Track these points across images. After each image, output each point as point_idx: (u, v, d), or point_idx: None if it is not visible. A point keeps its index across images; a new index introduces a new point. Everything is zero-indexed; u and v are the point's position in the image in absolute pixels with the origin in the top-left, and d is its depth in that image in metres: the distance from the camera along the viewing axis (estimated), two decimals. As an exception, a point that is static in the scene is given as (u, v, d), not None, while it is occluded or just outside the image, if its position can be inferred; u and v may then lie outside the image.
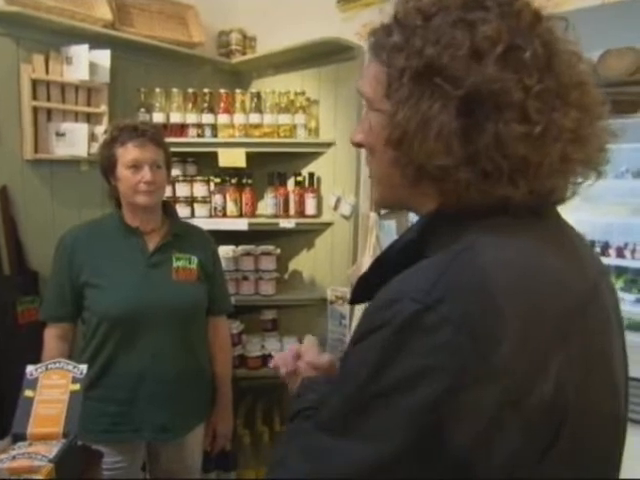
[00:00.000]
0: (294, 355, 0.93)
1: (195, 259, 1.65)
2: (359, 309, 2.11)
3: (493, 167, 0.55)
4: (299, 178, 2.38)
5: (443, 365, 0.49)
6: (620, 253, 4.24)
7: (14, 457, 0.93)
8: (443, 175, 0.58)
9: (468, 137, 0.55)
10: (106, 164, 1.57)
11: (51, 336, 1.59)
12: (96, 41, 2.06)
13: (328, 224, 2.41)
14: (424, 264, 0.57)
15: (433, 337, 0.49)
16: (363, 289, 0.73)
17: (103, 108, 2.13)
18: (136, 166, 1.52)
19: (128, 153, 1.52)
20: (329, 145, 2.37)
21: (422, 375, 0.49)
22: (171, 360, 1.58)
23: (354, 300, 0.75)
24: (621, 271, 4.30)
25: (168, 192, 2.25)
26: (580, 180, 0.62)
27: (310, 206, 2.37)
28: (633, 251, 4.21)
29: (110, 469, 1.54)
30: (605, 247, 4.34)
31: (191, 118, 2.29)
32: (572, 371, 0.53)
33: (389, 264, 0.66)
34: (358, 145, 0.70)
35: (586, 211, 4.18)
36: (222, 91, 2.33)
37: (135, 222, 1.60)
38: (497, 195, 0.56)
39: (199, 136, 2.31)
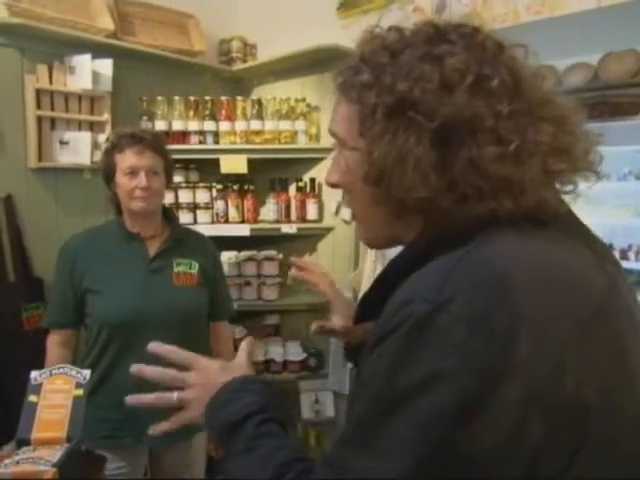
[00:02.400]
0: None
1: (196, 264, 1.66)
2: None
3: (473, 190, 0.55)
4: (300, 184, 2.40)
5: (458, 367, 0.48)
6: (624, 255, 4.22)
7: (18, 462, 0.94)
8: (425, 206, 0.58)
9: (444, 166, 0.56)
10: (106, 171, 1.59)
11: (54, 343, 1.61)
12: (98, 51, 2.09)
13: (329, 229, 2.43)
14: (433, 265, 0.56)
15: (446, 337, 0.49)
16: (367, 308, 0.72)
17: (106, 116, 2.16)
18: (133, 172, 1.53)
19: (126, 160, 1.54)
20: (330, 151, 2.38)
21: (437, 378, 0.48)
22: (173, 365, 1.58)
23: (358, 320, 0.74)
24: (625, 273, 4.28)
25: (171, 198, 2.28)
26: (573, 187, 0.62)
27: (312, 211, 2.39)
28: (637, 253, 4.19)
29: (112, 475, 1.54)
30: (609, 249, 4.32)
31: (193, 125, 2.31)
32: (592, 368, 0.51)
33: (390, 281, 0.64)
34: (333, 185, 0.69)
35: (589, 213, 4.10)
36: (223, 98, 2.36)
37: (135, 228, 1.61)
38: (481, 212, 0.56)
39: (201, 143, 2.33)
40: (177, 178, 2.29)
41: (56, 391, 1.11)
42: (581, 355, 0.50)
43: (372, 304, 0.69)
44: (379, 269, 2.08)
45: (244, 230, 2.30)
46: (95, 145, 2.12)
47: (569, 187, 0.62)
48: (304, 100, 2.38)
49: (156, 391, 1.56)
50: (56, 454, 0.97)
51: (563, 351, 0.49)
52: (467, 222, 0.57)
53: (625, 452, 0.53)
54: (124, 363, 1.55)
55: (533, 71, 0.61)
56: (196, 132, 2.32)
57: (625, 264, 4.21)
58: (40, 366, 1.18)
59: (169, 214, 1.73)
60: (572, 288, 0.53)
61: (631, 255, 4.20)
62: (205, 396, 0.77)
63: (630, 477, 0.54)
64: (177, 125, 2.30)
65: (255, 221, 2.42)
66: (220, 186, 2.38)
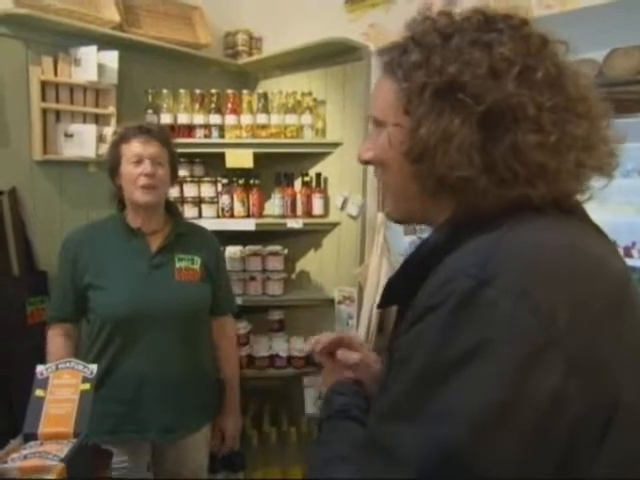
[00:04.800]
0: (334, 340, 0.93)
1: (198, 259, 1.65)
2: (365, 310, 2.11)
3: (510, 174, 0.59)
4: (306, 178, 2.39)
5: (505, 336, 0.50)
6: (628, 252, 4.20)
7: (25, 457, 0.94)
8: (463, 185, 0.61)
9: (487, 148, 0.58)
10: (111, 163, 1.60)
11: (55, 334, 1.61)
12: (104, 43, 2.07)
13: (335, 224, 2.41)
14: (472, 245, 0.58)
15: (493, 311, 0.51)
16: (391, 292, 0.73)
17: (111, 109, 2.14)
18: (138, 161, 1.55)
19: (132, 148, 1.56)
20: (336, 145, 2.37)
21: (485, 348, 0.50)
22: (175, 360, 1.58)
23: (383, 304, 0.75)
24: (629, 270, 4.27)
25: (176, 193, 2.27)
26: (594, 185, 0.65)
27: (317, 206, 2.37)
28: (641, 251, 4.18)
29: (115, 469, 1.54)
30: (613, 247, 4.30)
31: (198, 119, 2.30)
32: (622, 341, 0.54)
33: (416, 267, 0.66)
34: (366, 162, 0.73)
35: (592, 211, 4.14)
36: (229, 92, 2.34)
37: (137, 223, 1.61)
38: (514, 196, 0.59)
39: (206, 137, 2.32)
40: (182, 172, 2.28)
41: (63, 385, 1.10)
42: (613, 330, 0.54)
43: (399, 287, 0.71)
44: (385, 264, 2.07)
45: (249, 225, 2.29)
46: (100, 138, 2.10)
47: (587, 184, 0.65)
48: (310, 94, 2.36)
49: (158, 385, 1.57)
50: (64, 449, 0.97)
51: (597, 325, 0.53)
52: (498, 206, 0.60)
53: None
54: (127, 358, 1.55)
55: (573, 67, 0.63)
56: (201, 126, 2.31)
57: (629, 262, 4.20)
58: (44, 360, 1.17)
59: (172, 208, 1.73)
60: (601, 270, 0.57)
61: (635, 253, 4.19)
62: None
63: None
64: (182, 118, 2.29)
65: (260, 216, 2.41)
66: (225, 180, 2.36)
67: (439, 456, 0.50)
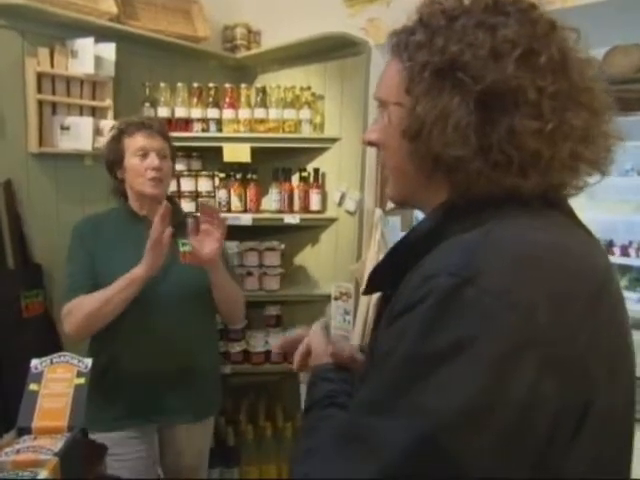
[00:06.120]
0: (304, 352, 0.93)
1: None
2: (363, 305, 2.10)
3: (504, 158, 0.58)
4: (304, 174, 2.38)
5: (485, 334, 0.51)
6: (625, 251, 4.22)
7: (19, 451, 0.93)
8: (457, 165, 0.61)
9: (483, 130, 0.58)
10: (113, 157, 1.62)
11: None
12: (101, 34, 2.05)
13: (333, 220, 2.40)
14: (454, 243, 0.59)
15: (473, 308, 0.51)
16: (377, 279, 0.74)
17: (108, 102, 2.12)
18: (144, 154, 1.58)
19: (136, 142, 1.59)
20: (334, 141, 2.36)
21: (466, 344, 0.51)
22: (181, 343, 1.61)
23: (368, 290, 0.76)
24: (625, 269, 4.27)
25: (173, 187, 2.25)
26: (587, 180, 0.65)
27: (315, 202, 2.36)
28: (638, 249, 4.18)
29: (127, 459, 1.56)
30: (609, 245, 4.31)
31: (196, 113, 2.28)
32: (599, 339, 0.55)
33: (403, 254, 0.67)
34: (371, 144, 0.74)
35: (591, 209, 4.16)
36: (227, 86, 2.33)
37: (142, 212, 1.65)
38: (506, 185, 0.60)
39: (204, 131, 2.30)
40: (179, 166, 2.27)
41: (57, 380, 1.09)
42: (592, 327, 0.55)
43: (383, 276, 0.72)
44: (382, 261, 2.06)
45: (246, 220, 2.28)
46: (97, 131, 2.09)
47: (581, 179, 0.65)
48: (309, 88, 2.35)
49: (166, 373, 1.58)
50: (57, 443, 0.96)
51: (576, 323, 0.54)
52: (490, 194, 0.61)
53: (618, 439, 0.60)
54: (135, 342, 1.58)
55: (581, 56, 0.63)
56: (199, 119, 2.29)
57: (626, 260, 4.21)
58: (40, 354, 1.16)
59: (172, 200, 1.75)
60: (581, 268, 0.58)
61: (632, 251, 4.20)
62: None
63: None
64: (180, 112, 2.27)
65: (257, 211, 2.40)
66: (223, 175, 2.36)
67: (415, 450, 0.50)
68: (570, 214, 0.67)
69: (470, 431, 0.50)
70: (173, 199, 1.77)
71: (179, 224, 1.65)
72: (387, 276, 0.67)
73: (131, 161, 1.59)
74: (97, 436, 1.16)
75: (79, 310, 1.51)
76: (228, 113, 2.30)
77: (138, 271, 1.48)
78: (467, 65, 0.58)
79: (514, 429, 0.50)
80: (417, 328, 0.54)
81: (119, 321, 1.54)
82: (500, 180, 0.60)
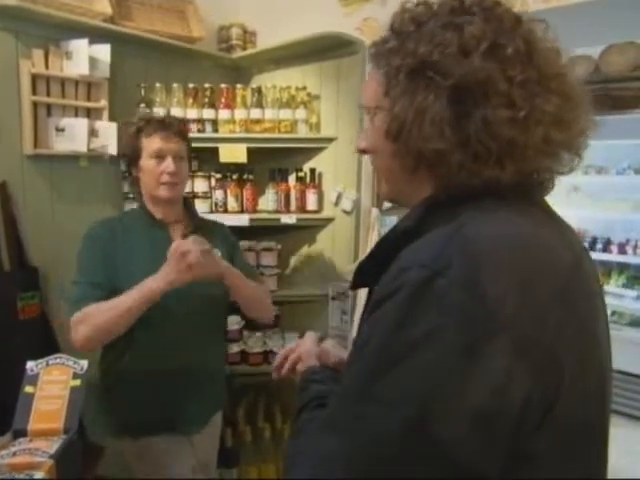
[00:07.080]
0: (294, 358, 1.03)
1: (218, 252, 1.64)
2: (360, 306, 2.10)
3: (483, 149, 0.61)
4: (300, 174, 2.37)
5: (454, 324, 0.53)
6: (622, 249, 4.22)
7: (14, 453, 0.93)
8: (439, 159, 0.64)
9: (459, 123, 0.62)
10: (130, 155, 1.61)
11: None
12: (96, 35, 2.04)
13: (329, 220, 2.40)
14: (428, 237, 0.61)
15: (443, 299, 0.54)
16: (362, 274, 0.76)
17: (103, 103, 2.11)
18: (160, 156, 1.56)
19: (153, 143, 1.56)
20: (330, 140, 2.36)
21: (436, 334, 0.53)
22: (193, 348, 1.60)
23: (354, 285, 0.78)
24: (623, 267, 4.28)
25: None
26: (563, 166, 0.68)
27: (311, 202, 2.36)
28: (635, 247, 4.19)
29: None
30: (607, 243, 4.31)
31: (192, 113, 2.28)
32: (567, 329, 0.58)
33: (386, 249, 0.69)
34: (362, 152, 0.78)
35: (588, 207, 4.17)
36: (223, 86, 2.32)
37: (158, 214, 1.63)
38: (485, 177, 0.62)
39: (200, 131, 2.30)
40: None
41: (53, 382, 1.09)
42: (559, 315, 0.57)
43: (367, 272, 0.74)
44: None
45: (243, 220, 2.27)
46: (92, 132, 2.08)
47: (559, 163, 0.67)
48: (305, 88, 2.35)
49: (181, 376, 1.62)
50: (53, 445, 0.96)
51: (544, 312, 0.56)
52: (470, 186, 0.63)
53: (592, 397, 0.62)
54: (154, 345, 1.54)
55: (549, 45, 0.66)
56: (195, 120, 2.28)
57: (623, 258, 4.22)
58: (36, 356, 1.16)
59: (187, 203, 1.75)
60: (550, 260, 0.60)
61: (629, 249, 4.21)
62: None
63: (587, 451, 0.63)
64: (175, 113, 2.25)
65: (254, 211, 2.40)
66: (219, 175, 2.35)
67: (390, 437, 0.53)
68: (545, 207, 0.70)
69: (444, 416, 0.52)
70: (189, 204, 1.75)
71: (196, 227, 1.65)
72: (372, 271, 0.69)
73: (147, 162, 1.57)
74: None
75: (92, 319, 1.42)
76: (224, 113, 2.30)
77: (157, 285, 1.42)
78: (436, 64, 0.62)
79: (488, 413, 0.52)
80: (392, 318, 0.57)
81: (139, 325, 1.48)
82: (480, 172, 0.62)
